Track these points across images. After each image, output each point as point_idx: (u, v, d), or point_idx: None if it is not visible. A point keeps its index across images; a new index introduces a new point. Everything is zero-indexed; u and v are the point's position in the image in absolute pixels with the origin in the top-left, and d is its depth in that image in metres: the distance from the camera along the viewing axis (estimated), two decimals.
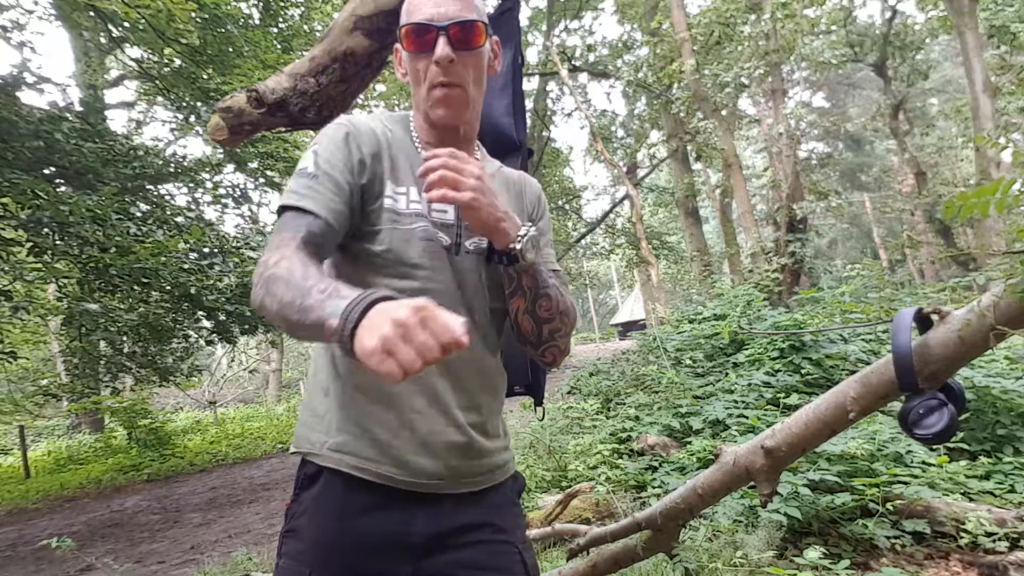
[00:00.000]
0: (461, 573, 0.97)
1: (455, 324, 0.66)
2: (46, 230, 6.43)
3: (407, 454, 0.95)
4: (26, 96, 8.46)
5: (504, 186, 1.13)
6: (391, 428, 0.95)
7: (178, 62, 8.72)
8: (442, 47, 0.97)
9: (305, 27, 9.93)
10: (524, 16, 17.00)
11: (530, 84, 17.29)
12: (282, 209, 0.94)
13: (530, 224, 0.98)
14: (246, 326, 8.17)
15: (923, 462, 3.09)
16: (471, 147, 1.11)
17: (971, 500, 2.82)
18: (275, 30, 9.36)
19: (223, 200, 9.53)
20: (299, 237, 0.89)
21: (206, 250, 7.49)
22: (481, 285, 1.03)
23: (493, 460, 1.04)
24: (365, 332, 0.66)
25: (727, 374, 5.14)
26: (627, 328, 29.16)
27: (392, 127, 1.06)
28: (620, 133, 21.10)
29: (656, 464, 3.97)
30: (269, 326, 8.62)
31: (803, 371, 4.54)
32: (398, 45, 1.05)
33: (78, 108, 7.85)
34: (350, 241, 0.99)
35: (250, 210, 10.33)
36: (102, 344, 8.90)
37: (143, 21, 7.42)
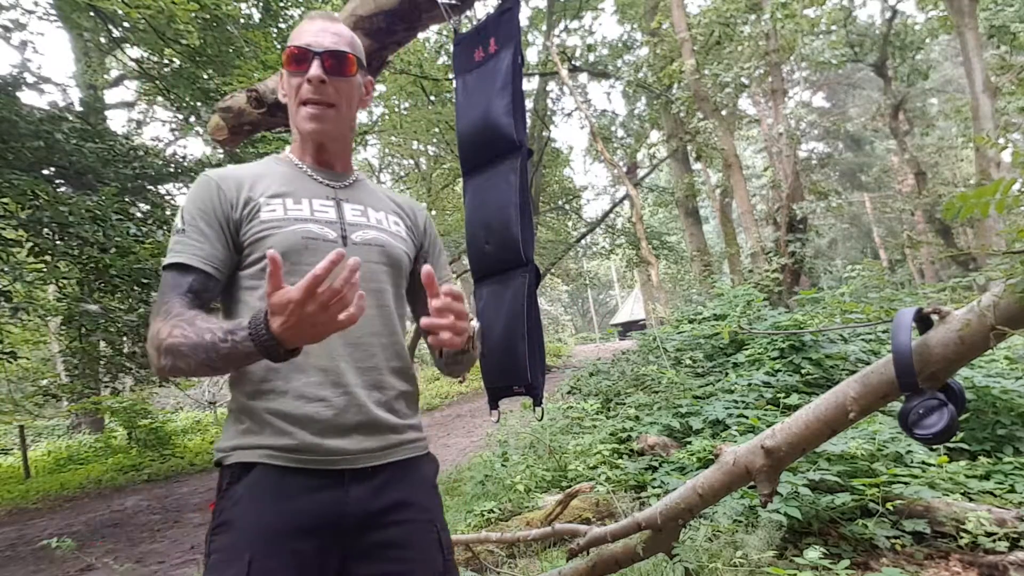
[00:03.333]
0: (386, 552, 1.04)
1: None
2: (46, 230, 6.43)
3: (314, 437, 1.02)
4: (26, 96, 8.48)
5: (396, 202, 1.28)
6: (296, 417, 1.03)
7: (178, 62, 8.71)
8: (315, 68, 1.12)
9: None
10: (524, 16, 17.00)
11: (530, 84, 17.31)
12: (165, 268, 1.05)
13: (475, 321, 1.10)
14: None
15: (923, 462, 3.09)
16: (344, 163, 1.23)
17: (971, 500, 2.81)
18: (275, 30, 9.35)
19: None
20: (183, 301, 1.01)
21: None
22: (376, 274, 1.13)
23: (400, 436, 1.11)
24: (277, 319, 0.84)
25: (727, 374, 5.13)
26: (627, 328, 29.13)
27: (267, 161, 1.21)
28: (620, 133, 21.06)
29: (656, 464, 3.96)
30: None
31: (803, 371, 4.53)
32: (282, 69, 1.19)
33: (78, 108, 7.86)
34: (243, 263, 1.10)
35: None
36: (102, 344, 8.89)
37: (143, 21, 7.41)
